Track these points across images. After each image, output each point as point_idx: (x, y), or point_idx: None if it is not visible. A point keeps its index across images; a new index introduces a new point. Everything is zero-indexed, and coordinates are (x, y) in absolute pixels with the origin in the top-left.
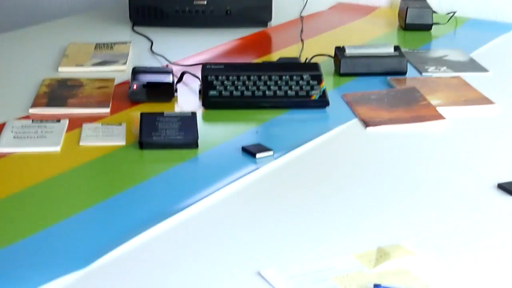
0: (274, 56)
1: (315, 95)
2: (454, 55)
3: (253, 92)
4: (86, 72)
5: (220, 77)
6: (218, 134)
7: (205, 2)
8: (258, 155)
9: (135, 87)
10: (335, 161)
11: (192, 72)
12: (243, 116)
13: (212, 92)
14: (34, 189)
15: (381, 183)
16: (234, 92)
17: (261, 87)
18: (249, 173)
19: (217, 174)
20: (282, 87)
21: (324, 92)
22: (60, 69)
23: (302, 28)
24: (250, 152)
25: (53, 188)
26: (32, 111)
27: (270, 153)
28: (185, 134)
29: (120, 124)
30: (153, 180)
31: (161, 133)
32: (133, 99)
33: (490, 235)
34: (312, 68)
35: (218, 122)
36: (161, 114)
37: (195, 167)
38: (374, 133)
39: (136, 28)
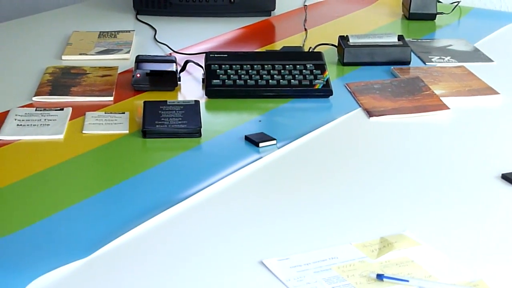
0: (278, 45)
1: (318, 84)
2: (458, 45)
3: (256, 81)
4: (90, 60)
5: (223, 66)
6: (221, 123)
7: None
8: (261, 144)
9: (138, 75)
10: (338, 150)
11: (196, 61)
12: (246, 105)
13: (215, 81)
14: (37, 177)
15: (384, 173)
16: (238, 81)
17: (264, 76)
18: (252, 162)
19: (220, 163)
20: (286, 76)
21: (327, 81)
22: (64, 57)
23: (305, 17)
24: (253, 141)
25: (56, 177)
26: (36, 99)
27: (273, 142)
28: (188, 122)
29: (123, 112)
30: (156, 169)
31: (164, 121)
32: (137, 88)
33: (494, 225)
34: (315, 57)
35: (221, 111)
36: (164, 102)
37: (198, 156)
38: (378, 123)
39: (139, 16)
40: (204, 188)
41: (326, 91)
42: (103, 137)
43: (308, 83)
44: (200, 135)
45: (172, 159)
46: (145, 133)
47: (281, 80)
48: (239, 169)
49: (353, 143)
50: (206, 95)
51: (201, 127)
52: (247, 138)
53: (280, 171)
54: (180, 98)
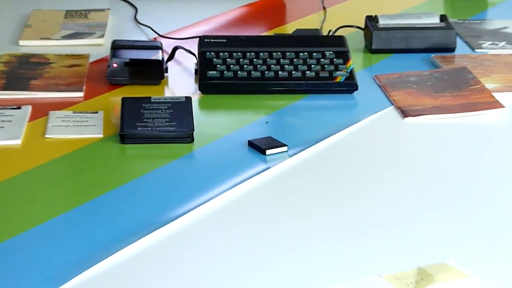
0: (290, 28)
1: (340, 77)
2: None
3: (262, 72)
4: (54, 46)
5: (221, 54)
6: (219, 125)
7: None
8: (268, 152)
9: (115, 65)
10: (364, 160)
11: (187, 48)
12: (250, 103)
13: (211, 73)
14: None
15: (422, 188)
16: (239, 73)
17: (272, 67)
18: (256, 174)
19: (217, 175)
20: (299, 67)
21: (351, 73)
22: (21, 42)
23: None
24: (258, 147)
25: (12, 192)
26: None
27: (284, 149)
28: (177, 124)
29: (96, 112)
30: (137, 182)
31: (147, 123)
32: (113, 81)
33: None
34: (336, 42)
35: (218, 110)
36: (148, 99)
37: (190, 166)
38: (414, 125)
39: None
40: (197, 206)
41: (349, 85)
42: (71, 143)
43: (327, 75)
44: (192, 140)
45: (157, 170)
46: (124, 138)
47: (293, 72)
48: (240, 182)
49: (383, 151)
50: (199, 90)
51: (193, 130)
52: (251, 144)
53: (292, 186)
54: (168, 94)
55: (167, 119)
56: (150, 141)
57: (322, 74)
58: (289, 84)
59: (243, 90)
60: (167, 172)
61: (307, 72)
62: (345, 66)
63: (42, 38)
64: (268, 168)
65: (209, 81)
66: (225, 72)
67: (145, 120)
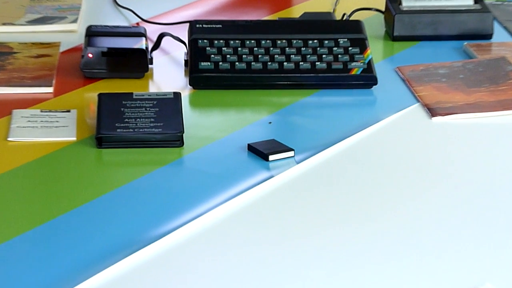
0: (296, 11)
1: (356, 68)
2: None
3: (264, 64)
4: (18, 33)
5: (216, 42)
6: (213, 125)
7: None
8: (271, 157)
9: (90, 55)
10: (385, 168)
11: (175, 35)
12: (250, 100)
13: (204, 64)
14: None
15: (454, 201)
16: (237, 64)
17: (276, 57)
18: (257, 184)
19: (211, 186)
20: (308, 57)
21: (369, 64)
22: None
23: None
24: (259, 152)
25: None
26: None
27: (290, 154)
28: (164, 125)
29: (68, 110)
30: (116, 195)
31: (128, 124)
32: (88, 74)
33: None
34: (352, 28)
35: (213, 108)
36: (129, 96)
37: (179, 175)
38: (444, 125)
39: None
40: (186, 223)
41: (367, 79)
42: (39, 147)
43: (341, 67)
44: (182, 144)
45: (139, 180)
46: (101, 141)
47: (301, 63)
48: (238, 194)
49: (407, 157)
50: (190, 84)
51: (183, 132)
52: (251, 149)
53: (299, 198)
54: (153, 89)
55: (152, 119)
56: (132, 145)
57: (335, 66)
58: (296, 77)
59: (242, 84)
60: (152, 182)
61: (317, 63)
62: (362, 56)
63: (3, 24)
64: (272, 177)
65: (202, 74)
66: (220, 63)
67: (126, 120)
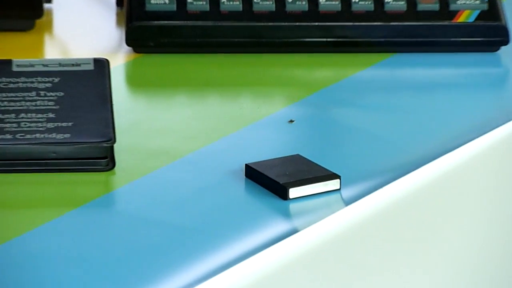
0: None
1: (468, 11)
2: None
3: (277, 1)
4: None
5: None
6: (175, 125)
7: None
8: (294, 193)
9: None
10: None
11: None
12: (248, 74)
13: (154, 2)
14: None
15: None
16: (223, 2)
17: None
18: (263, 248)
19: (172, 258)
20: None
21: (494, 3)
22: None
23: None
24: (270, 182)
25: None
26: None
27: (333, 184)
28: (75, 127)
29: None
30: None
31: (3, 124)
32: None
33: None
34: None
35: (174, 91)
36: (7, 66)
37: (103, 233)
38: None
39: None
40: None
41: (490, 32)
42: None
43: (436, 7)
44: (111, 165)
45: (40, 229)
46: None
47: (354, 1)
48: (228, 267)
49: None
50: (128, 43)
51: (114, 140)
52: (253, 173)
53: (346, 274)
54: (54, 53)
55: (51, 114)
56: (9, 167)
57: (422, 7)
58: (344, 29)
59: (232, 43)
60: (43, 247)
61: (387, 1)
62: None
63: None
64: (295, 232)
65: (151, 21)
66: (188, 0)
67: (5, 114)
